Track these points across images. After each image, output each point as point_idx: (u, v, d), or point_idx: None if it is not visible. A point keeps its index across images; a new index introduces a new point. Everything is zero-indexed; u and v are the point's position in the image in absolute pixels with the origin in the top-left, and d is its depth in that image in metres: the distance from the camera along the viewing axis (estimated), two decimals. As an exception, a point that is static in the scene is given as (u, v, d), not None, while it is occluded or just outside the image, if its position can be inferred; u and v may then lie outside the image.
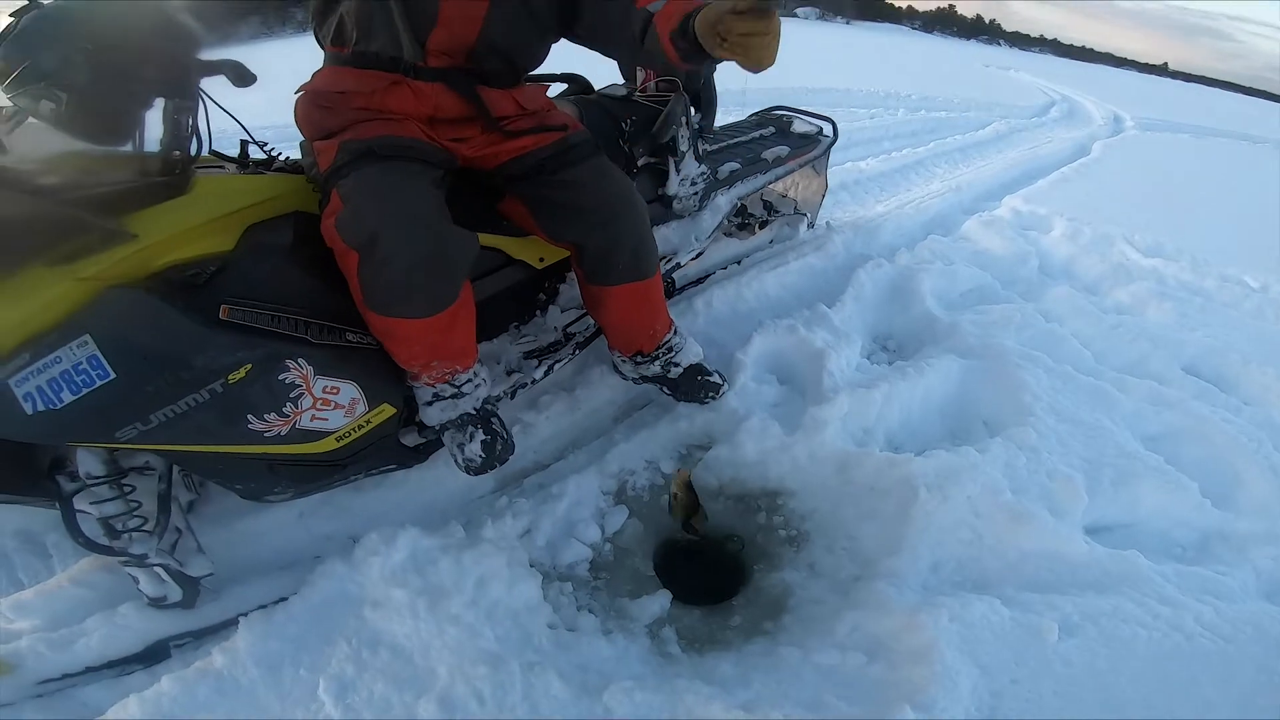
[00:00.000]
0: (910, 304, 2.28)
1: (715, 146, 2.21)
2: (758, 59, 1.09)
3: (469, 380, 1.38)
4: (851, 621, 1.28)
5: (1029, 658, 1.20)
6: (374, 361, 1.32)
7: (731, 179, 2.09)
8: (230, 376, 1.13)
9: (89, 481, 1.21)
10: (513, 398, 1.65)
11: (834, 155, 2.60)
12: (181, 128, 1.18)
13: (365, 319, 1.27)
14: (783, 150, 2.27)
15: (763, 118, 2.60)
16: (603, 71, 2.05)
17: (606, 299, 1.54)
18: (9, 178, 1.02)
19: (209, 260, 1.15)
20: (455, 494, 1.58)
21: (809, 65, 9.52)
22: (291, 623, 1.23)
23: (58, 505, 1.21)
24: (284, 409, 1.21)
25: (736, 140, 2.30)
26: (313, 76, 1.40)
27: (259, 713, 1.12)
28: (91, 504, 1.21)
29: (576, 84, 1.94)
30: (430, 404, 1.38)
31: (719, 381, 1.75)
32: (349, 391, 1.29)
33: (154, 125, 1.18)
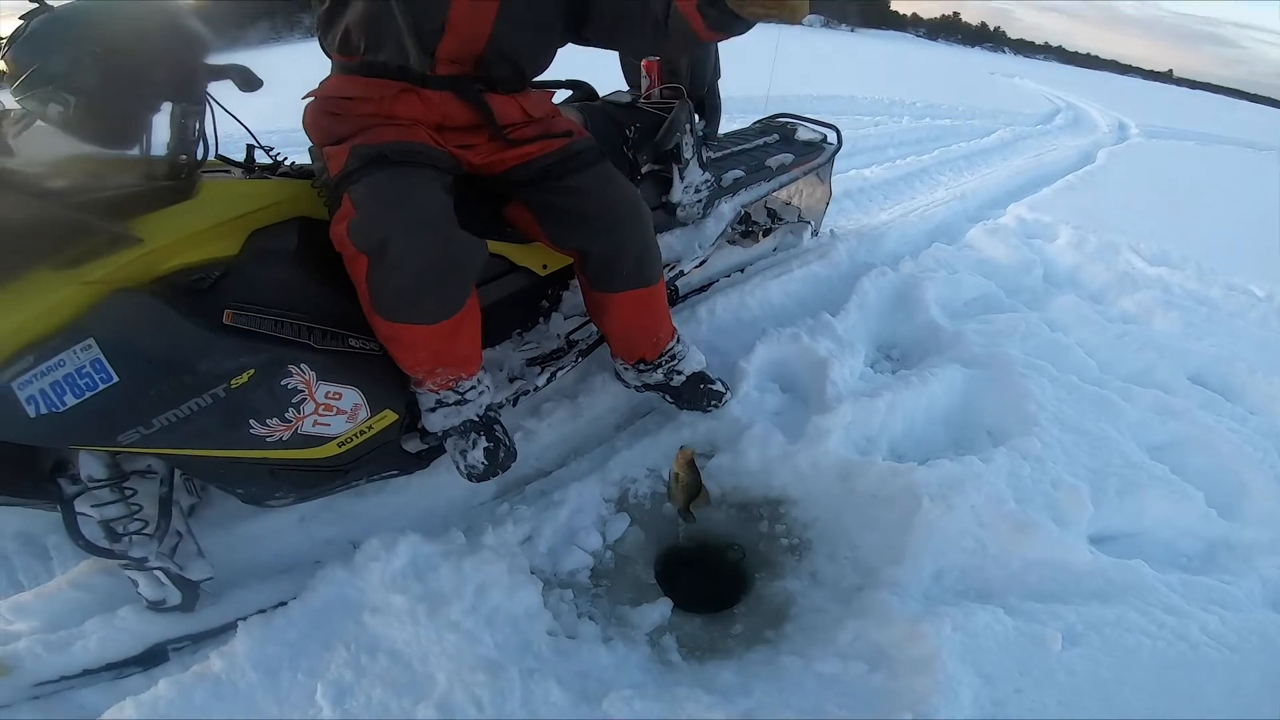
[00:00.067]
0: (914, 313, 2.27)
1: (719, 154, 2.21)
2: (792, 10, 1.10)
3: (472, 387, 1.39)
4: (853, 630, 1.27)
5: (1032, 667, 1.19)
6: (377, 367, 1.32)
7: (735, 186, 2.09)
8: (233, 381, 1.13)
9: (90, 484, 1.22)
10: (515, 405, 1.65)
11: (838, 163, 2.60)
12: (188, 132, 1.18)
13: (371, 324, 1.27)
14: (787, 158, 2.27)
15: (767, 125, 2.59)
16: (605, 78, 2.06)
17: (610, 306, 1.54)
18: (16, 181, 1.03)
19: (213, 265, 1.15)
20: (456, 500, 1.58)
21: (813, 73, 9.54)
22: (290, 627, 1.23)
23: (59, 508, 1.21)
24: (286, 414, 1.22)
25: (741, 147, 2.30)
26: (321, 84, 1.40)
27: (257, 717, 1.12)
28: (93, 507, 1.21)
29: (581, 90, 1.94)
30: (433, 410, 1.38)
31: (722, 390, 1.74)
32: (351, 397, 1.29)
33: (160, 129, 1.18)
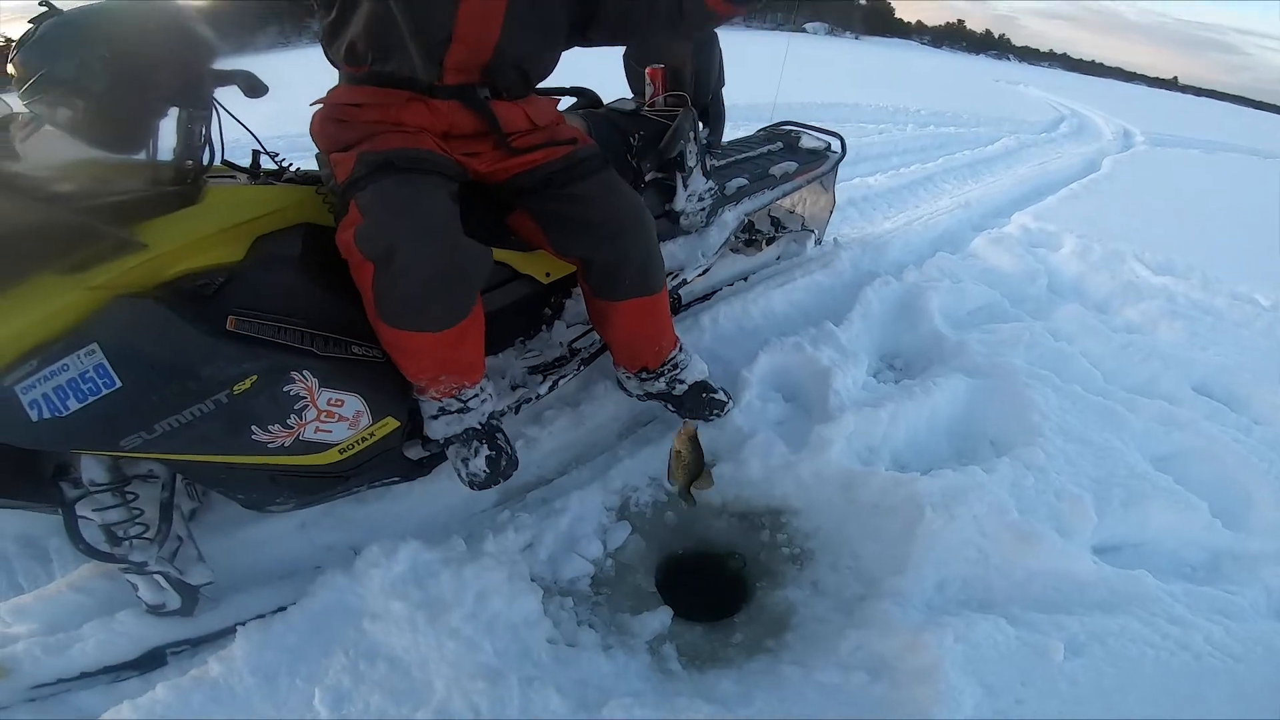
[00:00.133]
0: (918, 322, 2.27)
1: (723, 162, 2.21)
2: None
3: (475, 395, 1.39)
4: (855, 640, 1.27)
5: (1034, 677, 1.19)
6: (379, 374, 1.32)
7: (739, 195, 2.09)
8: (236, 387, 1.13)
9: (92, 488, 1.22)
10: (517, 413, 1.65)
11: (842, 171, 2.59)
12: (195, 137, 1.19)
13: (375, 331, 1.27)
14: (790, 166, 2.27)
15: (771, 133, 2.59)
16: (609, 85, 2.06)
17: (613, 314, 1.54)
18: (23, 185, 1.03)
19: (218, 271, 1.16)
20: (457, 507, 1.57)
21: (818, 80, 9.56)
22: (290, 632, 1.23)
23: (60, 511, 1.21)
24: (288, 420, 1.22)
25: (744, 155, 2.30)
26: (329, 92, 1.41)
27: (254, 722, 1.11)
28: (94, 510, 1.22)
29: (585, 98, 1.95)
30: (435, 418, 1.38)
31: (724, 399, 1.74)
32: (353, 404, 1.29)
33: (167, 134, 1.19)
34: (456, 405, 1.37)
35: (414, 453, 1.48)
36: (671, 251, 1.92)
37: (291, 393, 1.20)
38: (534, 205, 1.46)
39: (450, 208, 1.26)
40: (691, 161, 1.83)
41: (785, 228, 2.49)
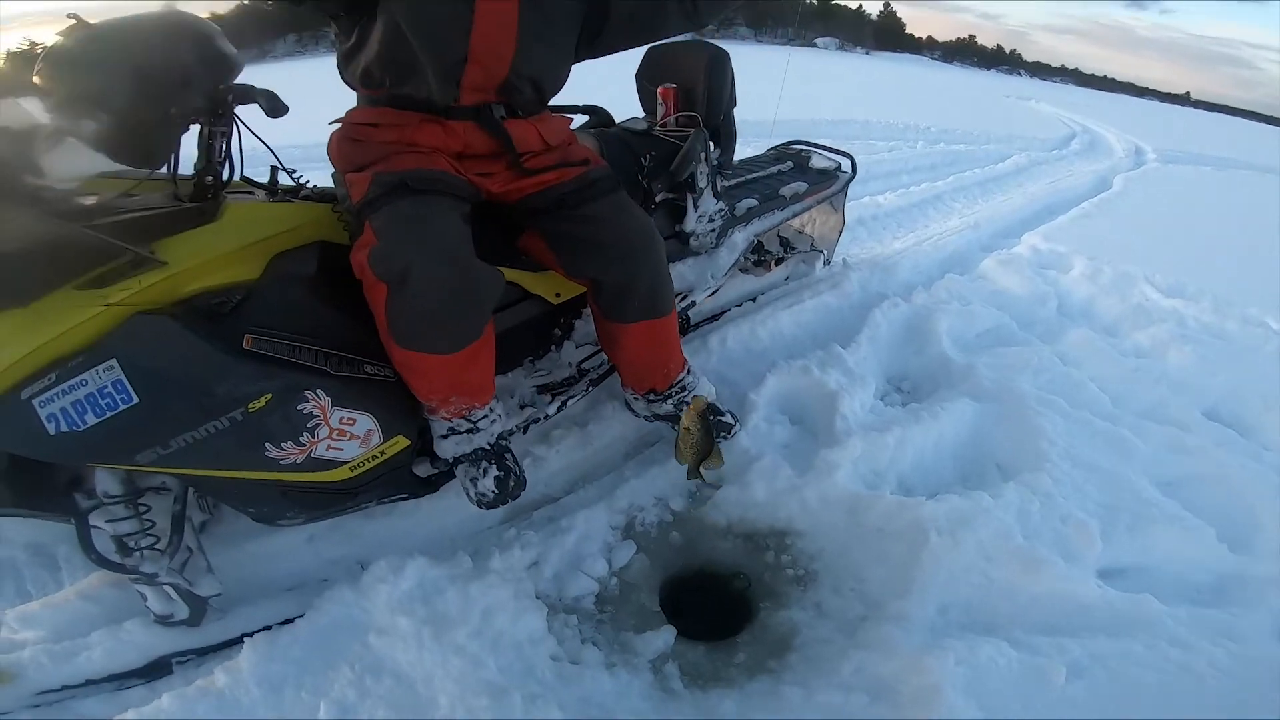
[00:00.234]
0: (926, 345, 2.26)
1: (733, 181, 2.22)
2: None
3: (485, 416, 1.40)
4: (856, 662, 1.27)
5: (1035, 701, 1.18)
6: (391, 394, 1.33)
7: (749, 216, 2.10)
8: (250, 405, 1.15)
9: (105, 500, 1.24)
10: (525, 432, 1.66)
11: (852, 189, 2.59)
12: (215, 152, 1.21)
13: (387, 351, 1.29)
14: (800, 186, 2.27)
15: (781, 152, 2.60)
16: (621, 104, 2.08)
17: (621, 336, 1.55)
18: (47, 199, 1.05)
19: (235, 289, 1.18)
20: (464, 524, 1.58)
21: (829, 96, 9.59)
22: (296, 645, 1.24)
23: (73, 521, 1.23)
24: (301, 438, 1.23)
25: (755, 175, 2.30)
26: (347, 113, 1.43)
27: (259, 732, 1.12)
28: (107, 521, 1.23)
29: (597, 116, 1.96)
30: (445, 437, 1.39)
31: (731, 421, 1.74)
32: (365, 423, 1.30)
33: (187, 149, 1.21)
34: (466, 425, 1.38)
35: (423, 470, 1.49)
36: (681, 273, 1.92)
37: (305, 411, 1.21)
38: (545, 226, 1.47)
39: (463, 230, 1.27)
40: (702, 183, 1.84)
41: (794, 248, 2.48)
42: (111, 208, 1.12)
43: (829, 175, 2.45)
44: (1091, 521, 1.55)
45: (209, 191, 1.22)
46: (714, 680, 1.34)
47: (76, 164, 1.12)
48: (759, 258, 2.35)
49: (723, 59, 1.99)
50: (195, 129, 1.19)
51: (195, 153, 1.22)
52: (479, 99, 1.38)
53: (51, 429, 1.04)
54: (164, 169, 1.20)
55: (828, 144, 2.64)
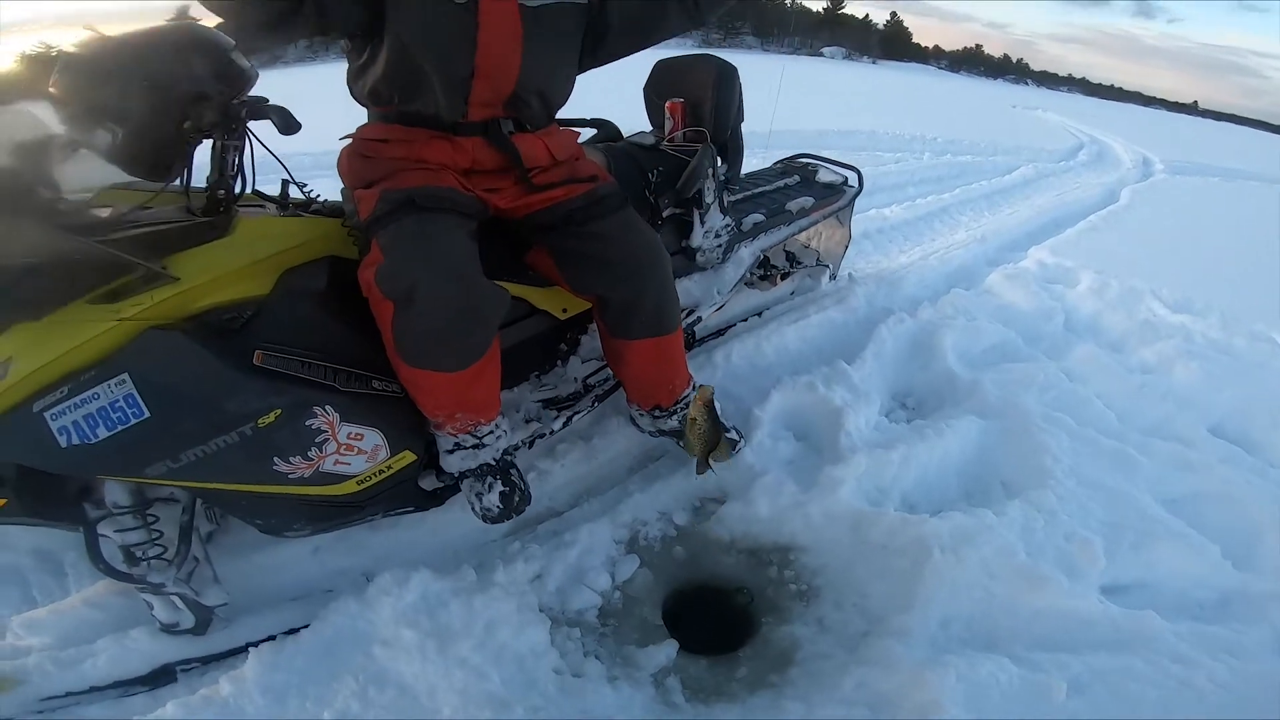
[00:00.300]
0: (931, 361, 2.26)
1: (739, 196, 2.22)
2: None
3: (490, 432, 1.40)
4: (858, 677, 1.27)
5: (1035, 716, 1.19)
6: (398, 409, 1.34)
7: (755, 231, 2.10)
8: (260, 420, 1.16)
9: (114, 510, 1.25)
10: (530, 447, 1.66)
11: (858, 201, 2.59)
12: (228, 166, 1.22)
13: (394, 368, 1.30)
14: (807, 201, 2.27)
15: (788, 166, 2.60)
16: (629, 118, 2.09)
17: (627, 353, 1.55)
18: (61, 213, 1.06)
19: (246, 304, 1.19)
20: (469, 536, 1.59)
21: (835, 107, 9.59)
22: (300, 655, 1.25)
23: (81, 529, 1.24)
24: (309, 453, 1.24)
25: (761, 189, 2.30)
26: (357, 129, 1.44)
27: (263, 743, 1.12)
28: (115, 531, 1.24)
29: (605, 130, 1.97)
30: (451, 452, 1.40)
31: (735, 438, 1.74)
32: (373, 438, 1.31)
33: (200, 162, 1.22)
34: (472, 441, 1.39)
35: (429, 484, 1.49)
36: (687, 288, 1.93)
37: (313, 426, 1.22)
38: (553, 242, 1.48)
39: (469, 248, 1.28)
40: (709, 198, 1.84)
41: (800, 262, 2.49)
42: (125, 221, 1.13)
43: (835, 189, 2.45)
44: (1095, 539, 1.56)
45: (221, 205, 1.23)
46: (715, 694, 1.34)
47: (90, 175, 1.14)
48: (765, 272, 2.35)
49: (731, 74, 1.99)
50: (208, 142, 1.20)
51: (208, 165, 1.23)
52: (487, 114, 1.39)
53: (63, 442, 1.06)
54: (177, 182, 1.21)
55: (834, 157, 2.64)
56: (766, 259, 2.27)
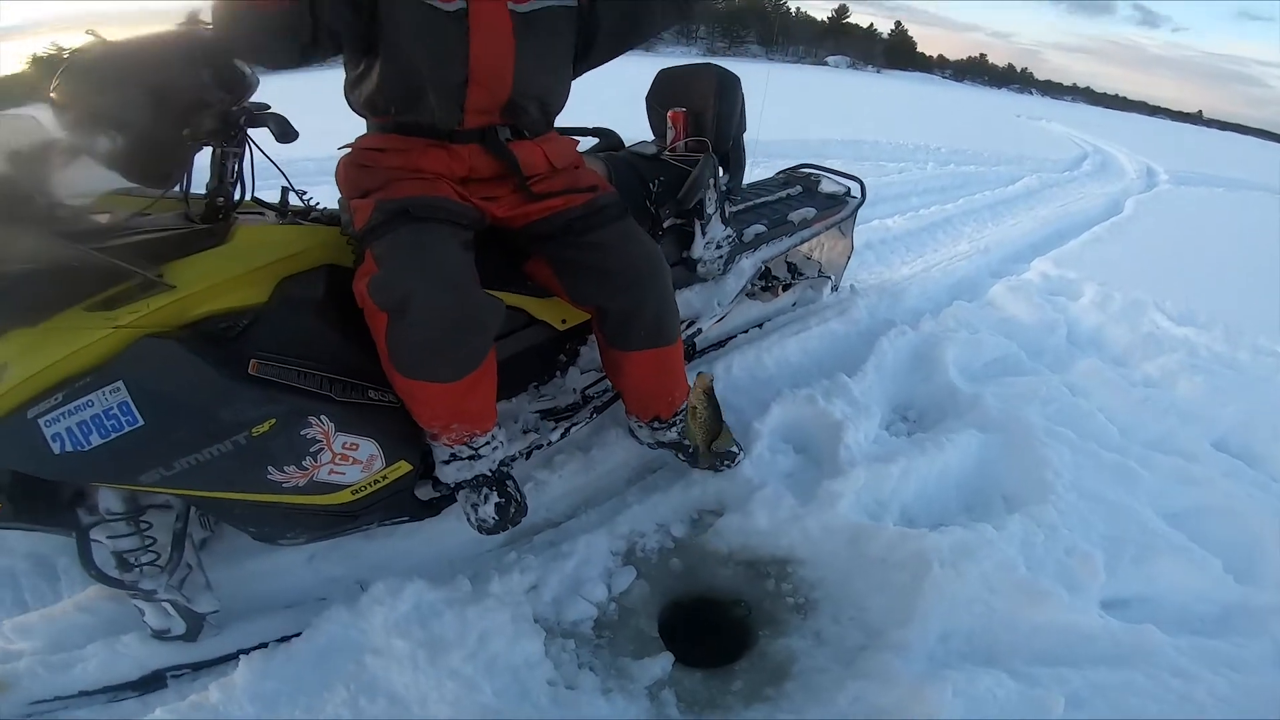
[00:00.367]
0: (932, 373, 2.25)
1: (741, 206, 2.22)
2: None
3: (487, 443, 1.40)
4: (854, 691, 1.27)
5: (1033, 731, 1.18)
6: (394, 420, 1.33)
7: (757, 242, 2.09)
8: (254, 429, 1.15)
9: (107, 516, 1.24)
10: (528, 458, 1.65)
11: (861, 211, 2.59)
12: (228, 173, 1.22)
13: (389, 378, 1.29)
14: (809, 212, 2.26)
15: (790, 176, 2.60)
16: (631, 127, 2.09)
17: (626, 364, 1.54)
18: (59, 219, 1.06)
19: (242, 313, 1.18)
20: (465, 546, 1.58)
21: (839, 115, 9.61)
22: (291, 663, 1.24)
23: (74, 534, 1.24)
24: (303, 462, 1.23)
25: (763, 200, 2.30)
26: (356, 139, 1.44)
27: (251, 751, 1.12)
28: (108, 538, 1.24)
29: (607, 139, 1.97)
30: (447, 463, 1.39)
31: (735, 450, 1.73)
32: (368, 448, 1.30)
33: (199, 168, 1.22)
34: (468, 452, 1.38)
35: (424, 493, 1.49)
36: (687, 299, 1.92)
37: (308, 436, 1.22)
38: (551, 252, 1.48)
39: (464, 258, 1.27)
40: (711, 209, 1.83)
41: (802, 274, 2.48)
42: (123, 228, 1.13)
43: (838, 200, 2.44)
44: (1096, 553, 1.55)
45: (220, 212, 1.23)
46: (710, 707, 1.33)
47: (90, 181, 1.14)
48: (766, 283, 2.34)
49: (733, 83, 1.99)
50: (208, 148, 1.20)
51: (208, 171, 1.23)
52: (483, 121, 1.39)
53: (56, 448, 1.05)
54: (176, 189, 1.21)
55: (838, 167, 2.64)
56: (768, 270, 2.26)
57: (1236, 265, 4.52)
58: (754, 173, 2.48)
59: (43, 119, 1.10)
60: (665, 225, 1.81)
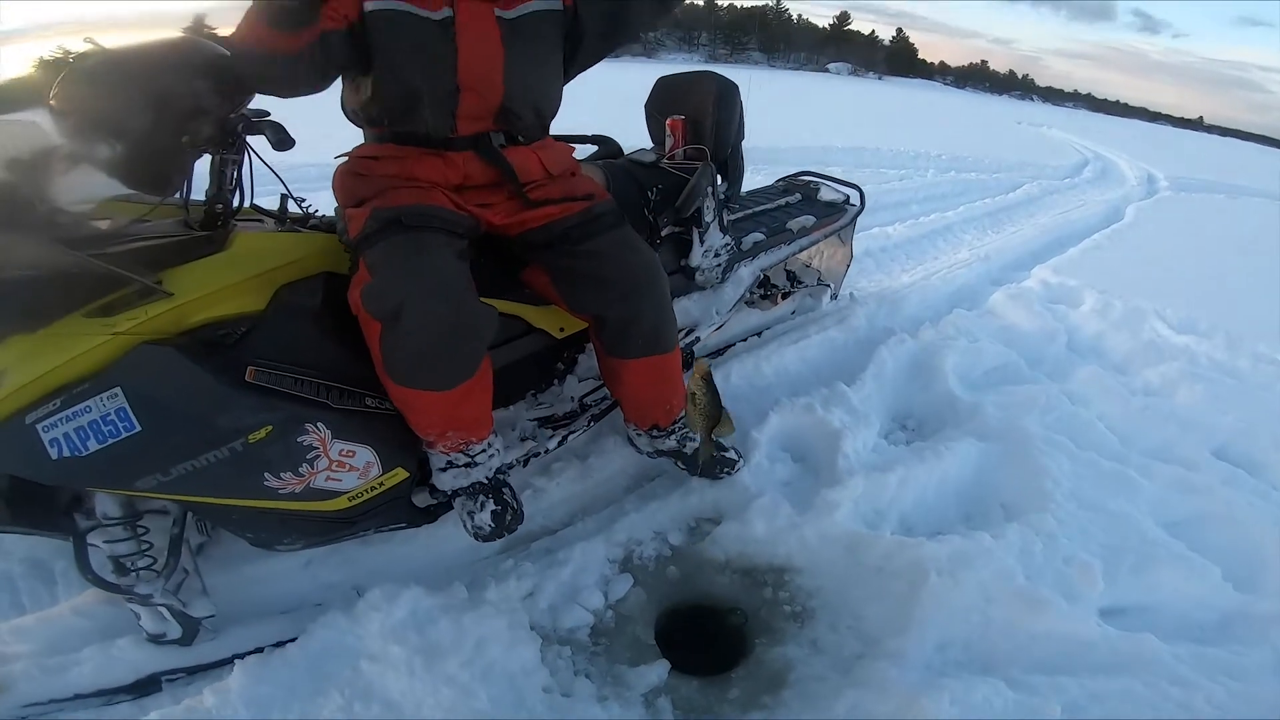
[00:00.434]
0: (931, 382, 2.25)
1: (740, 214, 2.22)
2: None
3: (483, 450, 1.40)
4: (851, 700, 1.26)
5: (1028, 741, 1.17)
6: (391, 427, 1.33)
7: (755, 250, 2.09)
8: (251, 436, 1.16)
9: (104, 521, 1.24)
10: (525, 465, 1.65)
11: (861, 219, 2.58)
12: (227, 180, 1.23)
13: (385, 387, 1.29)
14: (808, 220, 2.26)
15: (789, 184, 2.59)
16: (630, 135, 2.10)
17: (624, 372, 1.54)
18: (59, 225, 1.07)
19: (240, 320, 1.19)
20: (462, 553, 1.57)
21: (840, 123, 9.62)
22: (286, 668, 1.23)
23: (71, 539, 1.24)
24: (300, 469, 1.23)
25: (762, 208, 2.30)
26: (353, 148, 1.45)
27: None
28: (104, 542, 1.24)
29: (606, 147, 1.97)
30: (444, 470, 1.39)
31: (735, 457, 1.73)
32: (364, 455, 1.30)
33: (198, 176, 1.23)
34: (464, 460, 1.38)
35: (422, 500, 1.49)
36: (686, 308, 1.91)
37: (305, 443, 1.22)
38: (548, 260, 1.48)
39: (457, 267, 1.28)
40: (709, 217, 1.83)
41: (801, 282, 2.48)
42: (123, 234, 1.14)
43: (837, 208, 2.44)
44: (1094, 562, 1.54)
45: (219, 220, 1.24)
46: (707, 715, 1.33)
47: (89, 188, 1.14)
48: (765, 291, 2.34)
49: (732, 91, 2.00)
50: (207, 155, 1.21)
51: (207, 178, 1.24)
52: (477, 128, 1.40)
53: (54, 454, 1.06)
54: (176, 196, 1.22)
55: (838, 174, 2.64)
56: (767, 278, 2.26)
57: (1237, 272, 4.51)
58: (754, 180, 2.47)
59: (43, 125, 1.11)
60: (663, 233, 1.81)
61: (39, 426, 1.04)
